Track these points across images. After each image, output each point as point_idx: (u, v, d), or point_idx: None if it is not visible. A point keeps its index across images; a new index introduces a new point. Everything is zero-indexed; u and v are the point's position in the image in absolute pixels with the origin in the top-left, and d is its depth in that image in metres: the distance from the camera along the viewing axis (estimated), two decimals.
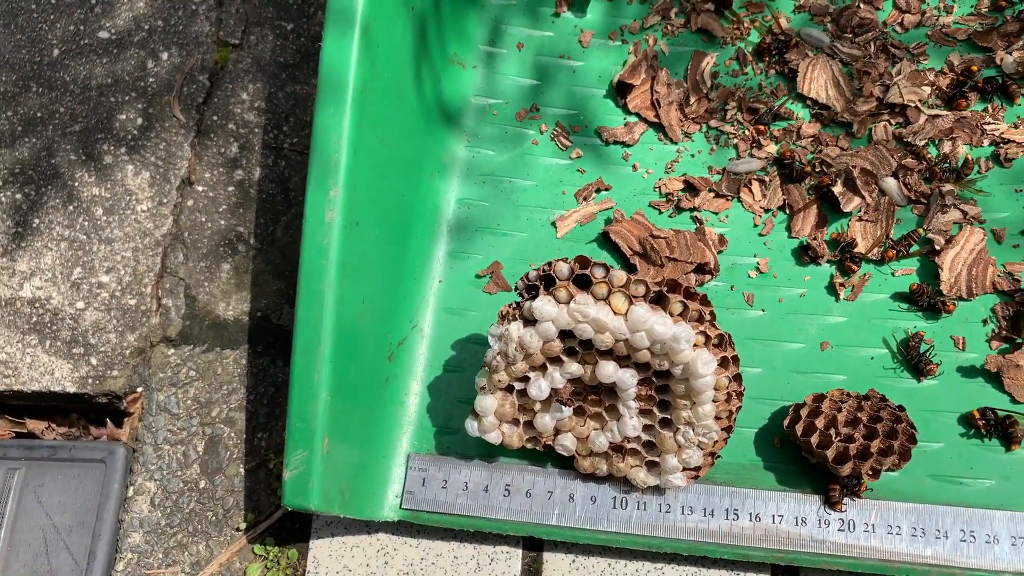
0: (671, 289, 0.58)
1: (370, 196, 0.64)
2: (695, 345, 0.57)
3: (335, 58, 0.60)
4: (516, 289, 0.60)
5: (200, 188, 0.81)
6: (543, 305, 0.57)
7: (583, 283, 0.58)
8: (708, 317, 0.59)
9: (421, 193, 0.72)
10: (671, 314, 0.57)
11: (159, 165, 0.81)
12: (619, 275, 0.57)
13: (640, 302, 0.57)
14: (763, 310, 0.70)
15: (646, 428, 0.61)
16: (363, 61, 0.60)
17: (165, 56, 0.85)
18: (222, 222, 0.80)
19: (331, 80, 0.59)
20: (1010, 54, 0.74)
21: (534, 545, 0.65)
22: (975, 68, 0.73)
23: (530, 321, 0.58)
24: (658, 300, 0.58)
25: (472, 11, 0.78)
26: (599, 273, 0.58)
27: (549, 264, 0.58)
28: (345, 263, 0.61)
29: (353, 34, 0.60)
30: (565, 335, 0.59)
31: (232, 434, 0.71)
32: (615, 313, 0.57)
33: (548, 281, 0.59)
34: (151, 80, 0.84)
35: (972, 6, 0.77)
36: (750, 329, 0.70)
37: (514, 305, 0.60)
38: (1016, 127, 0.73)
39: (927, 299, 0.68)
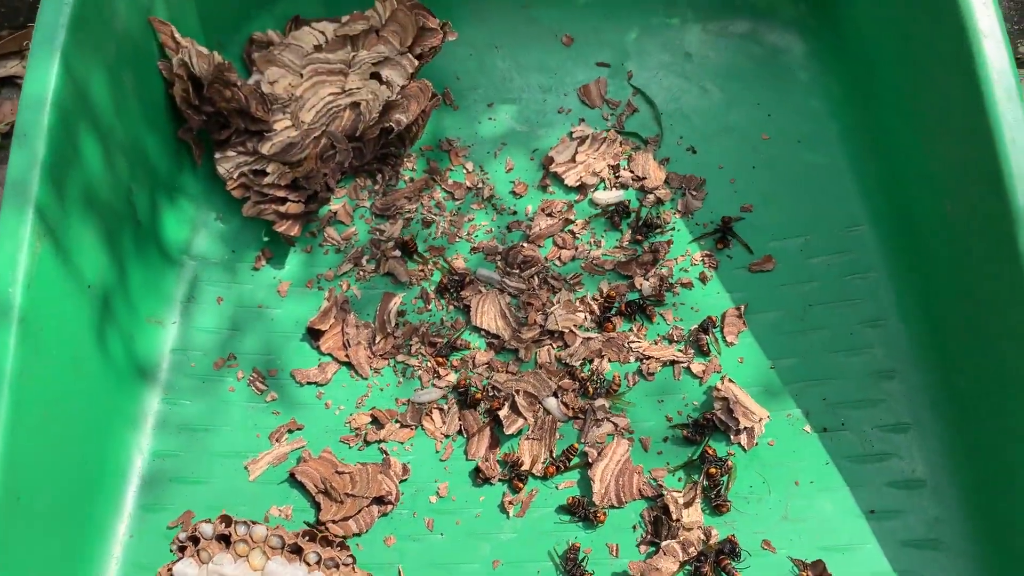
0: (310, 539, 0.63)
1: (40, 467, 0.67)
2: None
3: None
4: (172, 551, 0.64)
5: None
6: (184, 568, 0.61)
7: (227, 540, 0.63)
8: (347, 560, 0.64)
9: (110, 451, 0.75)
10: (307, 564, 0.62)
11: None
12: (258, 530, 0.62)
13: (276, 555, 0.62)
14: (442, 534, 0.76)
15: None
16: (22, 348, 0.65)
17: None
18: None
19: None
20: (647, 279, 0.86)
21: None
22: (613, 294, 0.84)
23: None
24: (295, 551, 0.63)
25: (171, 271, 0.85)
26: (240, 531, 0.62)
27: (196, 524, 0.63)
28: (8, 535, 0.63)
29: (10, 327, 0.65)
30: None
31: None
32: (252, 569, 0.61)
33: (195, 541, 0.63)
34: None
35: (616, 240, 0.89)
36: (431, 554, 0.75)
37: (168, 566, 0.64)
38: (655, 344, 0.84)
39: (583, 511, 0.76)
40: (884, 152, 0.84)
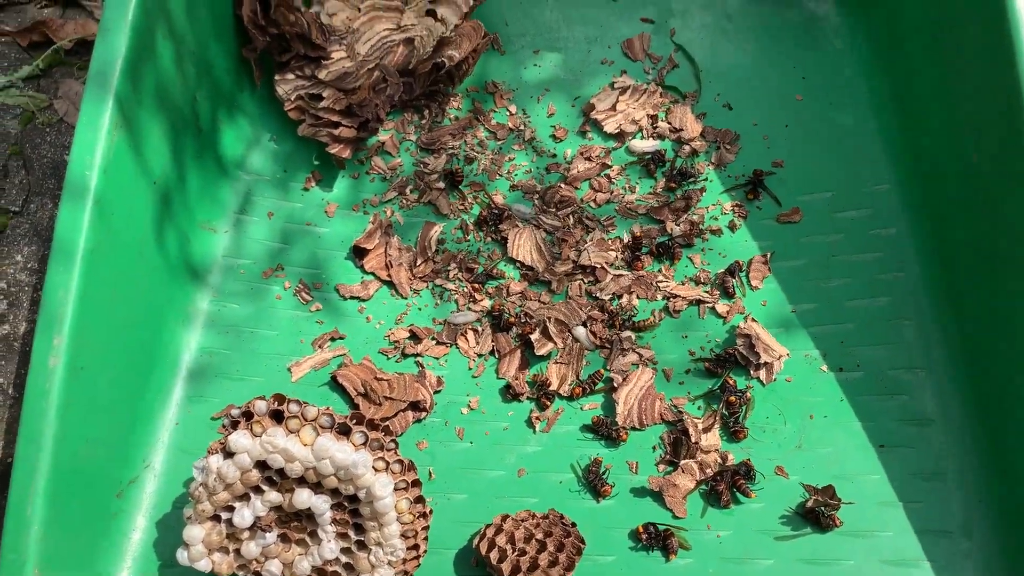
0: (356, 421, 0.67)
1: (101, 344, 0.71)
2: (375, 470, 0.66)
3: (67, 225, 0.68)
4: (223, 425, 0.68)
5: None
6: (238, 438, 0.65)
7: (278, 417, 0.67)
8: (391, 445, 0.68)
9: (162, 341, 0.79)
10: (353, 444, 0.66)
11: None
12: (310, 410, 0.66)
13: (326, 433, 0.65)
14: (471, 442, 0.80)
15: (344, 551, 0.68)
16: (96, 227, 0.69)
17: None
18: None
19: (63, 244, 0.68)
20: (677, 224, 0.90)
21: None
22: (643, 236, 0.88)
23: (229, 453, 0.66)
24: (343, 431, 0.66)
25: (226, 183, 0.89)
26: (293, 408, 0.66)
27: (250, 401, 0.67)
28: (68, 405, 0.67)
29: (85, 206, 0.69)
30: (263, 466, 0.66)
31: None
32: (303, 444, 0.65)
33: (248, 416, 0.67)
34: None
35: (651, 187, 0.93)
36: (460, 460, 0.79)
37: (220, 441, 0.68)
38: (683, 284, 0.88)
39: (606, 429, 0.79)
40: (912, 115, 0.88)
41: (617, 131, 0.95)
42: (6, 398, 0.84)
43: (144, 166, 0.76)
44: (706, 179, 0.92)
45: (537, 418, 0.81)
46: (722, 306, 0.86)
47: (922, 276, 0.83)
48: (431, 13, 0.94)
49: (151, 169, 0.77)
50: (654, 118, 0.95)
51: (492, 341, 0.85)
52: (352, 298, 0.87)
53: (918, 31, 0.88)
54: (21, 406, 0.83)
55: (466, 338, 0.85)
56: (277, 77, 0.90)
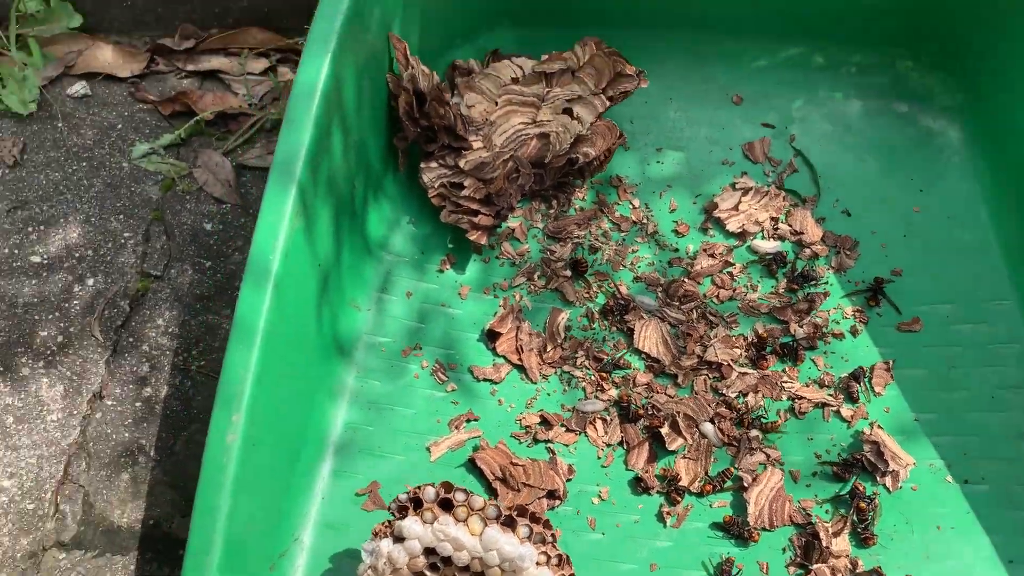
0: (520, 514, 0.69)
1: (268, 421, 0.74)
2: (538, 564, 0.68)
3: (249, 308, 0.72)
4: (389, 509, 0.70)
5: (109, 402, 0.89)
6: (411, 525, 0.67)
7: (446, 505, 0.69)
8: (550, 539, 0.70)
9: (313, 418, 0.82)
10: (518, 536, 0.68)
11: (73, 380, 0.89)
12: (477, 500, 0.68)
13: (493, 524, 0.68)
14: (603, 533, 0.82)
15: None
16: (273, 311, 0.73)
17: (91, 282, 0.96)
18: (126, 434, 0.87)
19: (244, 326, 0.71)
20: (801, 326, 0.93)
21: None
22: (767, 335, 0.91)
23: (399, 538, 0.68)
24: (508, 523, 0.69)
25: (370, 262, 0.92)
26: (460, 497, 0.69)
27: (419, 487, 0.69)
28: (240, 480, 0.70)
29: (267, 289, 0.72)
30: (430, 552, 0.69)
31: None
32: (471, 534, 0.67)
33: (416, 503, 0.69)
34: (75, 302, 0.94)
35: (772, 287, 0.96)
36: (593, 550, 0.81)
37: (386, 523, 0.70)
38: (807, 386, 0.90)
39: (737, 529, 0.81)
40: None
41: (740, 230, 0.98)
42: (148, 460, 0.86)
43: (314, 249, 0.79)
44: (827, 283, 0.96)
45: (668, 513, 0.83)
46: (846, 410, 0.88)
47: None
48: (567, 111, 0.98)
49: (318, 252, 0.80)
50: (775, 220, 0.99)
51: (621, 431, 0.87)
52: (485, 380, 0.90)
53: None
54: (163, 468, 0.85)
55: (595, 427, 0.88)
56: (423, 165, 0.94)
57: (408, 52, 0.91)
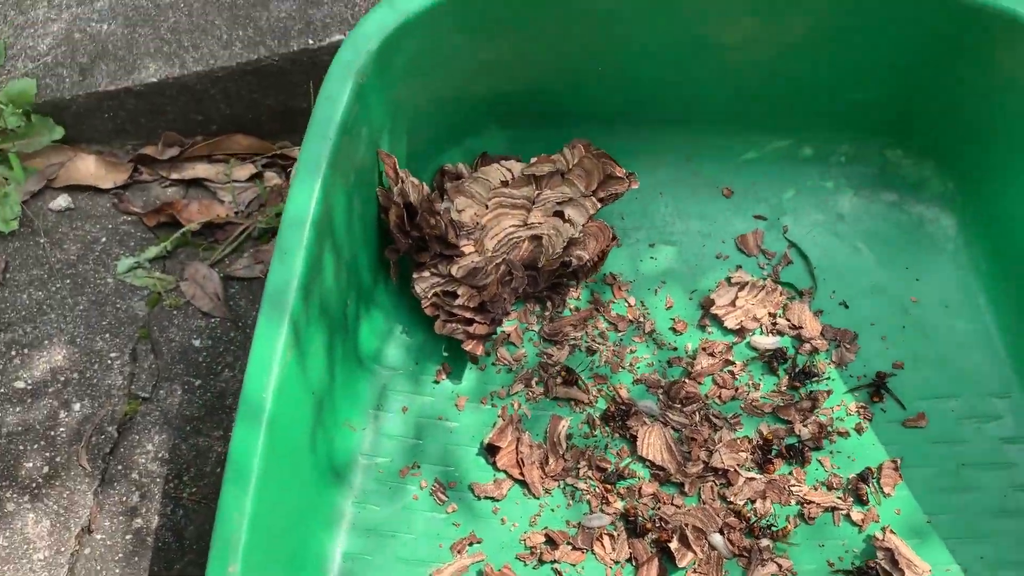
0: None
1: (264, 560, 0.71)
2: None
3: (242, 449, 0.69)
4: None
5: (99, 536, 0.86)
6: None
7: None
8: None
9: (311, 551, 0.79)
10: None
11: (60, 514, 0.86)
12: None
13: None
14: None
15: None
16: (267, 448, 0.70)
17: (77, 407, 0.93)
18: (117, 570, 0.84)
19: (237, 468, 0.69)
20: (805, 426, 0.91)
21: None
22: (771, 437, 0.89)
23: None
24: None
25: (364, 378, 0.90)
26: None
27: None
28: None
29: (260, 428, 0.70)
30: None
31: None
32: None
33: None
34: (61, 429, 0.92)
35: (774, 384, 0.94)
36: None
37: None
38: (815, 489, 0.88)
39: None
40: None
41: (738, 327, 0.97)
42: None
43: (307, 378, 0.77)
44: (829, 378, 0.94)
45: None
46: (856, 513, 0.86)
47: None
48: (559, 214, 0.97)
49: (311, 379, 0.78)
50: (773, 315, 0.98)
51: (628, 547, 0.85)
52: (486, 498, 0.87)
53: None
54: None
55: (602, 543, 0.85)
56: (415, 275, 0.93)
57: (397, 166, 0.90)
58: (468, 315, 0.92)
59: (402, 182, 0.90)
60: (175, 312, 1.01)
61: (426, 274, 0.93)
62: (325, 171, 0.78)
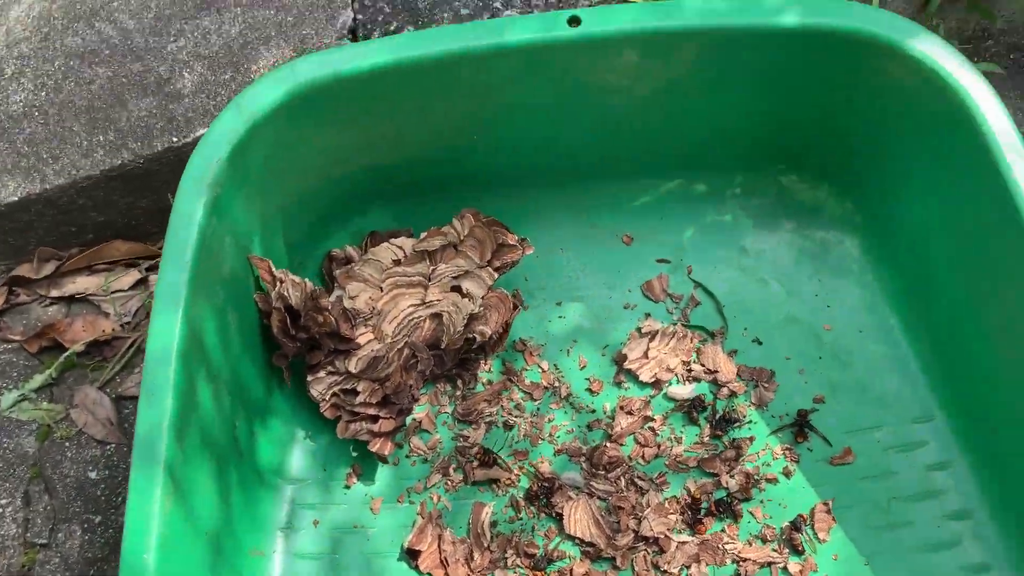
0: None
1: None
2: None
3: None
4: None
5: None
6: None
7: None
8: None
9: None
10: None
11: None
12: None
13: None
14: None
15: None
16: None
17: None
18: None
19: None
20: (732, 477, 0.88)
21: None
22: (699, 495, 0.86)
23: None
24: None
25: (267, 497, 0.86)
26: None
27: None
28: None
29: None
30: None
31: None
32: None
33: None
34: None
35: (696, 435, 0.92)
36: None
37: None
38: (749, 544, 0.85)
39: None
40: (948, 342, 0.89)
41: (653, 379, 0.94)
42: None
43: (194, 522, 0.72)
44: (751, 422, 0.92)
45: None
46: (793, 565, 0.84)
47: (992, 519, 0.82)
48: (456, 289, 0.93)
49: (201, 521, 0.73)
50: (687, 363, 0.95)
51: None
52: None
53: (940, 255, 0.89)
54: None
55: None
56: (309, 378, 0.88)
57: (273, 268, 0.85)
58: (372, 411, 0.88)
59: (280, 283, 0.85)
60: (67, 444, 0.95)
61: (321, 374, 0.89)
62: (186, 298, 0.73)
